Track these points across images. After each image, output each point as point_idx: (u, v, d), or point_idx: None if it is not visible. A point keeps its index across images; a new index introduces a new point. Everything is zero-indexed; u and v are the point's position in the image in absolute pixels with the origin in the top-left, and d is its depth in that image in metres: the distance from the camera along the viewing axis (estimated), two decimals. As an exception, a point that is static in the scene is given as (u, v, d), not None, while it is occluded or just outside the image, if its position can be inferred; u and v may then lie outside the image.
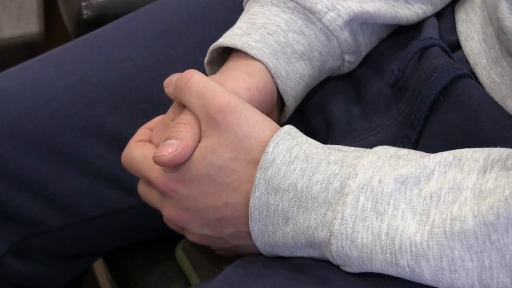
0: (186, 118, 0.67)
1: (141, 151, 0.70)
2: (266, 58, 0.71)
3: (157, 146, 0.69)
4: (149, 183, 0.69)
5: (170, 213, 0.68)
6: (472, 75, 0.70)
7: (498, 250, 0.55)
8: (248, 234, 0.65)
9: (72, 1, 1.14)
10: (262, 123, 0.65)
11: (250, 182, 0.64)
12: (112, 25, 0.87)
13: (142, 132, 0.72)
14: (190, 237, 0.70)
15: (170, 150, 0.65)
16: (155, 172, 0.67)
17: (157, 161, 0.65)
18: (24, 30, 1.92)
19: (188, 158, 0.66)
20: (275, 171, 0.63)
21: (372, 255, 0.59)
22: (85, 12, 1.12)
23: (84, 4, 1.12)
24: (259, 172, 0.63)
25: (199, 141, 0.66)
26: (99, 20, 1.11)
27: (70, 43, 0.86)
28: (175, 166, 0.66)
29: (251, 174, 0.64)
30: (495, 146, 0.62)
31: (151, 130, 0.72)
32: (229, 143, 0.65)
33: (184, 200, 0.66)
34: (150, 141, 0.71)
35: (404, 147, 0.70)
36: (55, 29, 1.86)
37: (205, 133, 0.66)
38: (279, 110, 0.75)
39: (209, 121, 0.66)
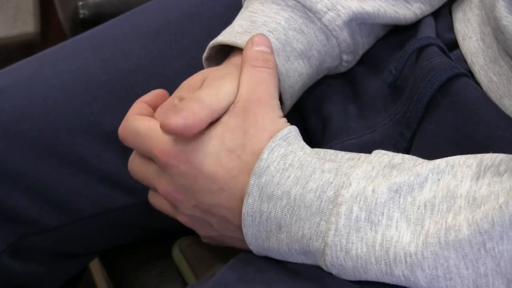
0: (200, 96, 0.65)
1: (146, 123, 0.68)
2: None
3: None
4: (149, 155, 0.68)
5: (166, 188, 0.67)
6: (470, 74, 0.70)
7: (493, 257, 0.55)
8: (237, 227, 0.65)
9: (69, 1, 1.14)
10: (282, 123, 0.65)
11: (248, 173, 0.64)
12: (108, 24, 0.86)
13: (141, 106, 0.71)
14: (180, 217, 0.69)
15: (183, 119, 0.63)
16: (162, 143, 0.66)
17: (166, 127, 0.63)
18: (20, 30, 1.92)
19: (205, 134, 0.65)
20: (268, 178, 0.63)
21: (366, 266, 0.59)
22: (81, 11, 1.12)
23: (80, 3, 1.12)
24: (253, 178, 0.63)
25: (210, 122, 0.65)
26: (95, 19, 1.11)
27: (66, 42, 0.86)
28: (187, 140, 0.65)
29: (251, 166, 0.64)
30: (490, 145, 0.62)
31: (149, 104, 0.71)
32: (246, 129, 0.64)
33: (183, 176, 0.66)
34: (152, 117, 0.70)
35: (399, 145, 0.70)
36: (51, 29, 1.86)
37: (235, 110, 0.65)
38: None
39: (242, 103, 0.65)
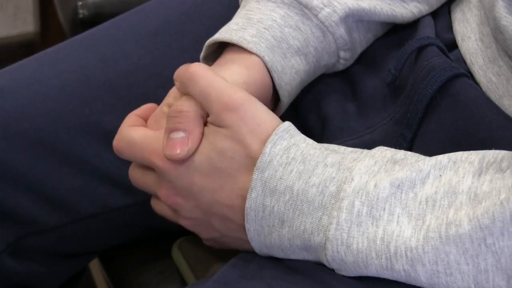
0: (186, 104, 0.67)
1: (140, 131, 0.69)
2: (263, 52, 0.71)
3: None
4: (148, 163, 0.68)
5: (166, 193, 0.67)
6: (469, 75, 0.70)
7: (494, 253, 0.55)
8: (238, 226, 0.65)
9: (68, 1, 1.14)
10: (268, 121, 0.65)
11: (247, 171, 0.64)
12: (108, 24, 0.86)
13: (133, 118, 0.71)
14: (182, 222, 0.69)
15: (182, 147, 0.65)
16: (158, 149, 0.67)
17: (172, 159, 0.65)
18: (20, 30, 1.92)
19: None
20: (271, 172, 0.63)
21: (367, 260, 0.59)
22: (81, 11, 1.12)
23: (80, 3, 1.12)
24: (256, 173, 0.63)
25: (203, 126, 0.66)
26: (95, 19, 1.11)
27: (66, 42, 0.86)
28: None
29: (250, 165, 0.64)
30: (491, 145, 0.62)
31: (141, 117, 0.72)
32: (232, 136, 0.64)
33: (181, 178, 0.66)
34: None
35: (399, 146, 0.70)
36: (51, 29, 1.86)
37: (216, 128, 0.66)
38: (273, 106, 0.75)
39: (215, 118, 0.65)
